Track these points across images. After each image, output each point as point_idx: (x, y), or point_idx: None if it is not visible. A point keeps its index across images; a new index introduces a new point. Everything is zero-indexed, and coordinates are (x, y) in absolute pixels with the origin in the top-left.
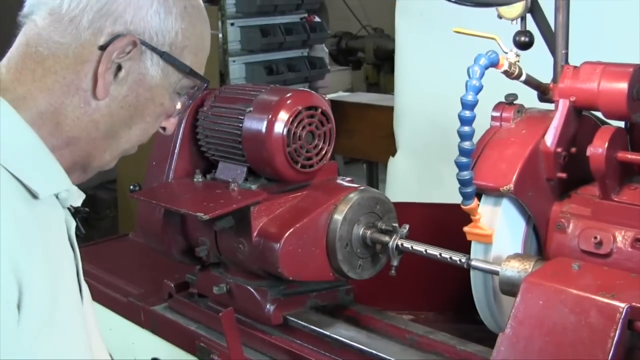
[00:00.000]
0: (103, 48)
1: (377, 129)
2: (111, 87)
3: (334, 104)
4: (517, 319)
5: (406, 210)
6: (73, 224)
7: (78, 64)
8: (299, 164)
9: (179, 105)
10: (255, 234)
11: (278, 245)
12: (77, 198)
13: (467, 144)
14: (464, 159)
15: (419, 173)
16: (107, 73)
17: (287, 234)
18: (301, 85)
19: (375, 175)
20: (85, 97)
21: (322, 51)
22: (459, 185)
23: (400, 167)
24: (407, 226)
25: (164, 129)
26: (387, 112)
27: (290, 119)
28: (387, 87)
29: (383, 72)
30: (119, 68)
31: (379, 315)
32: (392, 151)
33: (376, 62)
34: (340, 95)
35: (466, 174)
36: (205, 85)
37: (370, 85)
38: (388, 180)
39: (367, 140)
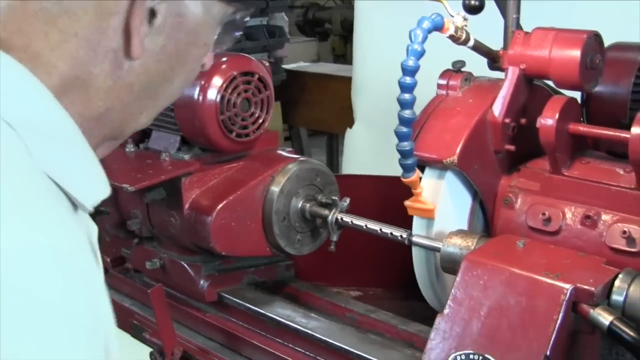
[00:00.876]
0: None
1: (338, 100)
2: (146, 39)
3: (294, 74)
4: (456, 300)
5: (357, 183)
6: (95, 229)
7: (102, 19)
8: (234, 133)
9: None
10: (186, 206)
11: (209, 218)
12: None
13: (407, 113)
14: (404, 129)
15: (377, 145)
16: (142, 25)
17: (219, 207)
18: (259, 55)
19: (335, 147)
20: (116, 60)
21: (281, 20)
22: (399, 157)
23: (357, 138)
24: (348, 199)
25: (202, 65)
26: (348, 82)
27: (224, 85)
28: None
29: (350, 44)
30: (153, 14)
31: (319, 293)
32: (352, 122)
33: (343, 33)
34: (300, 65)
35: (406, 145)
36: (252, 10)
37: (337, 56)
38: (345, 152)
39: (327, 111)
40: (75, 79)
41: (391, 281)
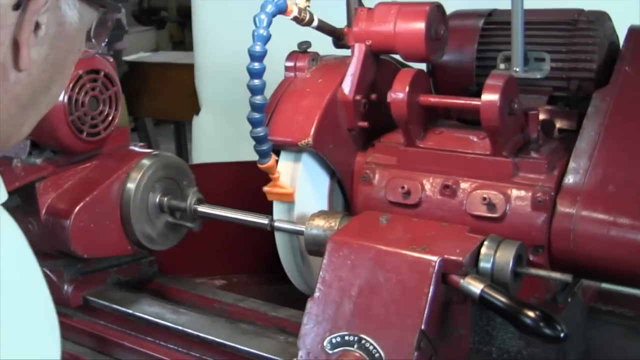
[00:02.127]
0: (18, 6)
1: (181, 88)
2: (31, 50)
3: (135, 65)
4: (326, 282)
5: (210, 171)
6: None
7: None
8: (85, 133)
9: None
10: (43, 212)
11: (68, 222)
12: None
13: (258, 99)
14: (256, 115)
15: (225, 131)
16: (30, 37)
17: (76, 209)
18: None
19: (183, 135)
20: (4, 72)
21: None
22: (254, 143)
23: (205, 125)
24: (196, 188)
25: None
26: (190, 70)
27: (71, 85)
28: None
29: (188, 30)
30: (37, 25)
31: (185, 286)
32: (198, 110)
33: (180, 19)
34: (141, 56)
35: (260, 131)
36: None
37: (175, 44)
38: (194, 139)
39: (171, 100)
40: None
41: (255, 266)
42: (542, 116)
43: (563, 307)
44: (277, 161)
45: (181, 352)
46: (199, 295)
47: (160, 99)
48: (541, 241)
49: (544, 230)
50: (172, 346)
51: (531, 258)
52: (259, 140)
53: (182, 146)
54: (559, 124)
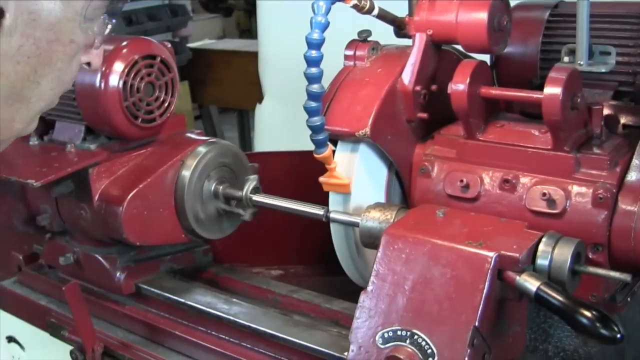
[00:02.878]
0: None
1: (245, 76)
2: None
3: (199, 52)
4: (379, 275)
5: (268, 160)
6: None
7: None
8: (140, 119)
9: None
10: (96, 198)
11: (120, 209)
12: None
13: (315, 87)
14: (313, 104)
15: (287, 120)
16: None
17: (129, 197)
18: (163, 35)
19: (247, 123)
20: None
21: None
22: (310, 133)
23: (267, 114)
24: (256, 177)
25: (88, 64)
26: (254, 58)
27: (126, 70)
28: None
29: (254, 18)
30: (1, 14)
31: (239, 276)
32: (261, 98)
33: (247, 7)
34: (206, 43)
35: (317, 120)
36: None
37: (242, 32)
38: (256, 128)
39: (236, 87)
40: None
41: (312, 257)
42: (606, 111)
43: (622, 307)
44: (334, 152)
45: (232, 343)
46: (252, 286)
47: (225, 86)
48: (601, 239)
49: (604, 228)
50: (223, 336)
51: (590, 256)
52: (315, 130)
53: (246, 135)
54: (623, 120)
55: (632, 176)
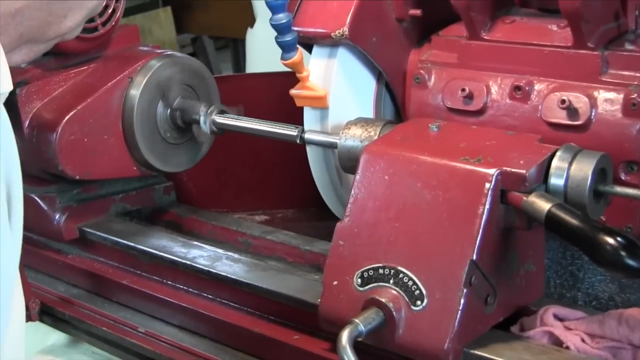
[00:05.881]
0: None
1: None
2: None
3: None
4: (358, 202)
5: (248, 83)
6: None
7: None
8: None
9: None
10: (26, 124)
11: (54, 135)
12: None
13: None
14: None
15: None
16: None
17: (65, 120)
18: None
19: (242, 54)
20: None
21: None
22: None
23: (260, 38)
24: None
25: None
26: None
27: None
28: None
29: None
30: None
31: (205, 217)
32: (253, 21)
33: None
34: None
35: (282, 17)
36: None
37: None
38: (248, 54)
39: (225, 12)
40: None
41: (302, 200)
42: None
43: None
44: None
45: (191, 293)
46: (221, 227)
47: (213, 11)
48: (635, 156)
49: (638, 141)
50: (180, 285)
51: (623, 177)
52: (280, 30)
53: (241, 68)
54: None
55: None
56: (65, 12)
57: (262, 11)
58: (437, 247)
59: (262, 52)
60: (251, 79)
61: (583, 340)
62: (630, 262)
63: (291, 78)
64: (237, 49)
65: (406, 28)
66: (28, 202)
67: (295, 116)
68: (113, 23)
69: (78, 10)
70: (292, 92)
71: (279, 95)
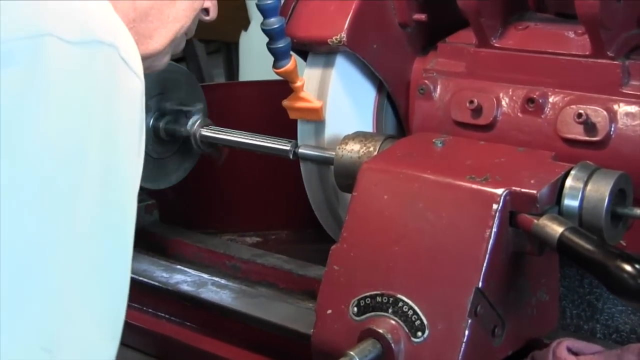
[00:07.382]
0: None
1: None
2: None
3: None
4: (355, 224)
5: (237, 92)
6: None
7: None
8: None
9: None
10: None
11: None
12: None
13: None
14: (268, 0)
15: None
16: None
17: None
18: None
19: (235, 59)
20: None
21: None
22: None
23: (255, 43)
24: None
25: (207, 12)
26: None
27: None
28: None
29: None
30: None
31: (191, 238)
32: (247, 23)
33: None
34: None
35: (274, 22)
36: None
37: None
38: (241, 59)
39: (218, 13)
40: None
41: (297, 221)
42: None
43: None
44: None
45: (173, 322)
46: (207, 249)
47: None
48: None
49: None
50: (162, 314)
51: None
52: (272, 35)
53: (234, 74)
54: None
55: None
56: (151, 32)
57: (257, 13)
58: (439, 273)
59: (257, 58)
60: (243, 87)
61: None
62: None
63: (287, 87)
64: (230, 53)
65: (410, 34)
66: None
67: (291, 129)
68: None
69: (164, 33)
70: (285, 103)
71: (273, 106)
